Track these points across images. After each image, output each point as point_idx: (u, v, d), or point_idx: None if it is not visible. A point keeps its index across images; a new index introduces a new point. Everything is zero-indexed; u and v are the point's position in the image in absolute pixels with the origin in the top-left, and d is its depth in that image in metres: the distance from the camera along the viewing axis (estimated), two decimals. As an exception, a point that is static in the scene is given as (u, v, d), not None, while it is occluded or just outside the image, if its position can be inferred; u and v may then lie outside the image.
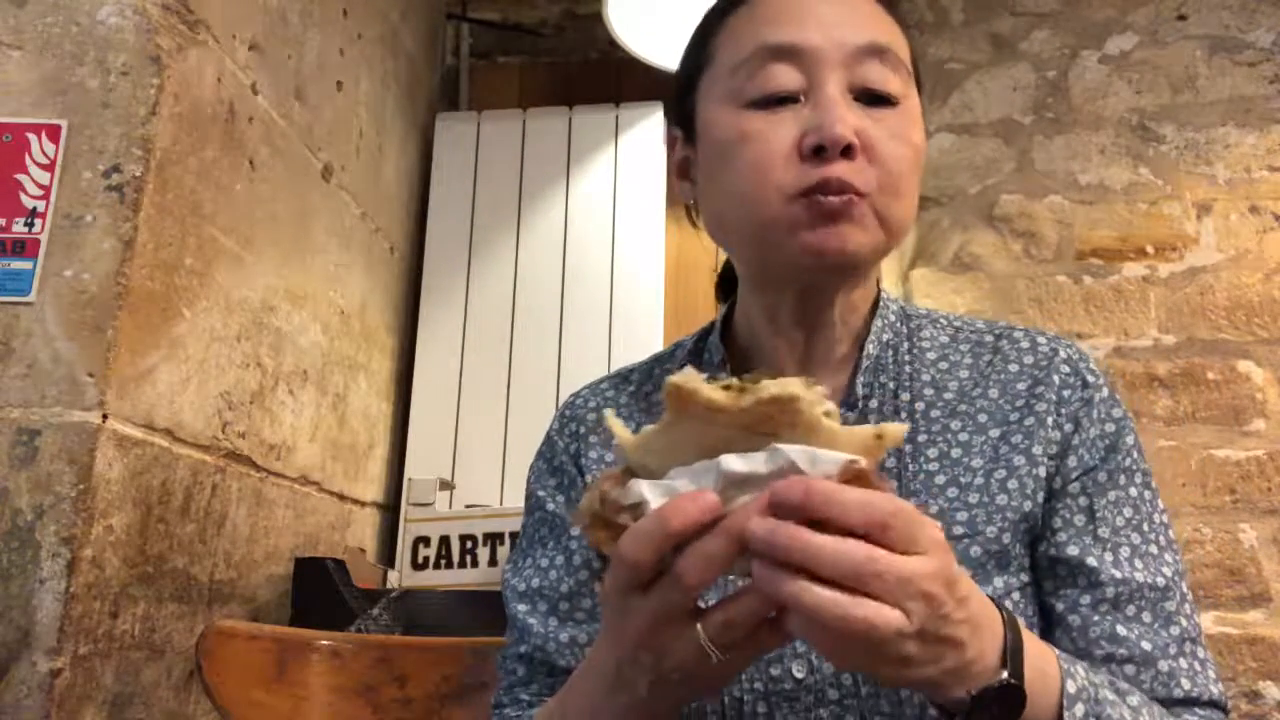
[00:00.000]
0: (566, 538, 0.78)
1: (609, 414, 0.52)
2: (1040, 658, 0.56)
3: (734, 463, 0.47)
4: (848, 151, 0.65)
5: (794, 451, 0.46)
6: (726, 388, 0.47)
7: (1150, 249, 2.12)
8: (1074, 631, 0.67)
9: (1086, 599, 0.67)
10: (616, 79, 2.27)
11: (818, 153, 0.65)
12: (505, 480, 1.98)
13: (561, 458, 0.81)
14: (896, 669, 0.49)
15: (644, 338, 2.02)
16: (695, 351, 0.82)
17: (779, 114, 0.68)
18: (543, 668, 0.75)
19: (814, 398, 0.46)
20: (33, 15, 1.21)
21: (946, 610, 0.48)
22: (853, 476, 0.46)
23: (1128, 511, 0.70)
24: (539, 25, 2.45)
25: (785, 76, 0.68)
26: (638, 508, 0.48)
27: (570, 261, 2.11)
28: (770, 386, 0.46)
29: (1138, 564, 0.68)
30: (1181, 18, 2.23)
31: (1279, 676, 1.87)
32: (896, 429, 0.48)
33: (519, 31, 2.43)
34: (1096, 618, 0.67)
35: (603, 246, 2.10)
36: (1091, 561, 0.67)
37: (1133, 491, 0.71)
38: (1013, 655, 0.52)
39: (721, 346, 0.78)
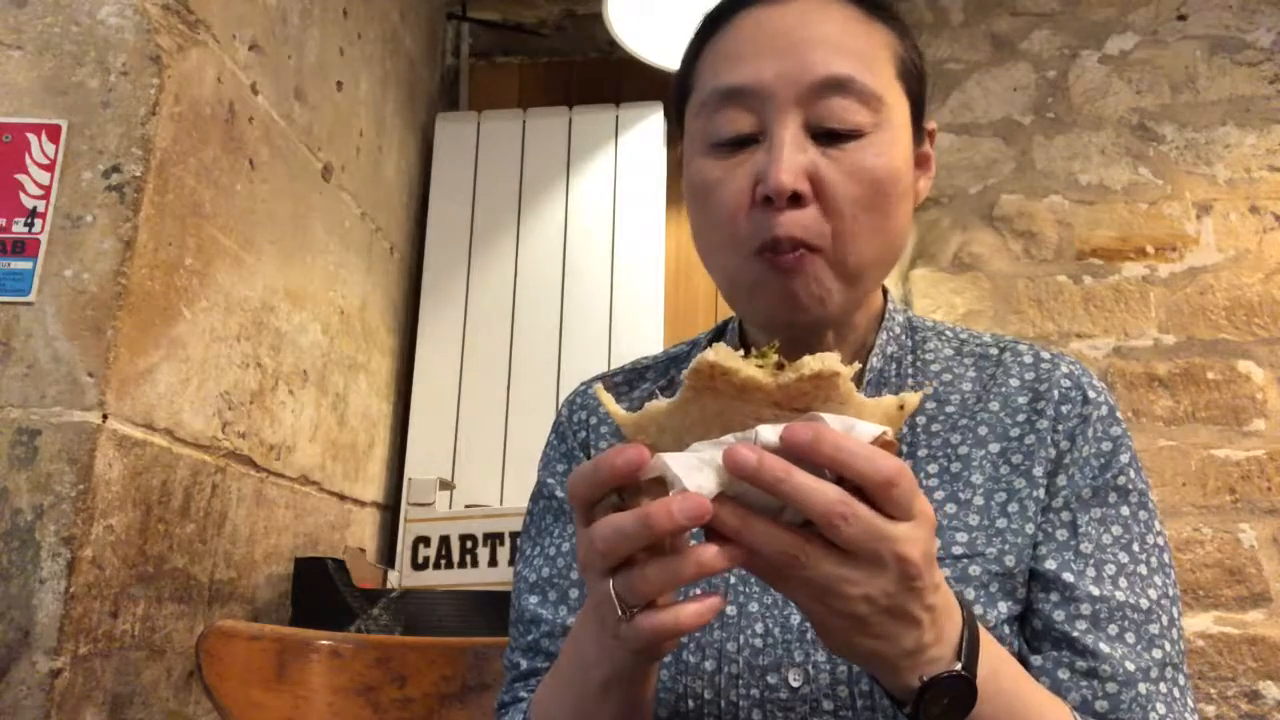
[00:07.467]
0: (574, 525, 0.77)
1: (599, 388, 0.50)
2: (998, 659, 0.55)
3: (768, 433, 0.46)
4: (796, 200, 0.64)
5: (832, 420, 0.46)
6: (761, 365, 0.47)
7: (1150, 249, 2.12)
8: (1049, 641, 0.66)
9: (1060, 614, 0.66)
10: (616, 79, 2.27)
11: (769, 201, 0.65)
12: (505, 480, 1.98)
13: (570, 444, 0.81)
14: (850, 633, 0.48)
15: (644, 338, 2.02)
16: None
17: (738, 157, 0.67)
18: (549, 660, 0.73)
19: (850, 372, 0.47)
20: (33, 15, 1.21)
21: (919, 585, 0.47)
22: (882, 445, 0.47)
23: (1116, 529, 0.68)
24: (539, 25, 2.45)
25: (739, 120, 0.67)
26: (659, 484, 0.47)
27: (570, 261, 2.10)
28: (811, 363, 0.46)
29: (1121, 582, 0.66)
30: (1181, 18, 2.23)
31: (1279, 676, 1.87)
32: (915, 397, 0.48)
33: (519, 31, 2.43)
34: (1076, 633, 0.65)
35: (603, 246, 2.10)
36: (1068, 576, 0.66)
37: (1124, 510, 0.69)
38: (969, 649, 0.51)
39: (741, 347, 0.78)
